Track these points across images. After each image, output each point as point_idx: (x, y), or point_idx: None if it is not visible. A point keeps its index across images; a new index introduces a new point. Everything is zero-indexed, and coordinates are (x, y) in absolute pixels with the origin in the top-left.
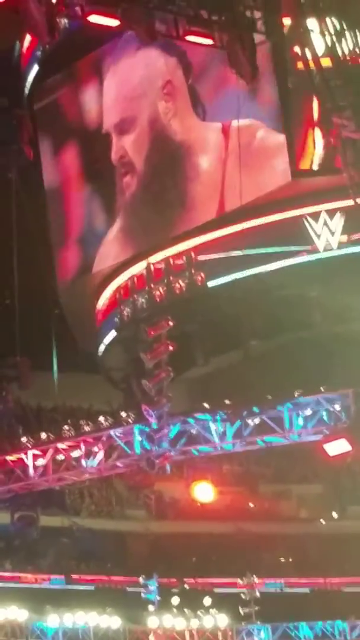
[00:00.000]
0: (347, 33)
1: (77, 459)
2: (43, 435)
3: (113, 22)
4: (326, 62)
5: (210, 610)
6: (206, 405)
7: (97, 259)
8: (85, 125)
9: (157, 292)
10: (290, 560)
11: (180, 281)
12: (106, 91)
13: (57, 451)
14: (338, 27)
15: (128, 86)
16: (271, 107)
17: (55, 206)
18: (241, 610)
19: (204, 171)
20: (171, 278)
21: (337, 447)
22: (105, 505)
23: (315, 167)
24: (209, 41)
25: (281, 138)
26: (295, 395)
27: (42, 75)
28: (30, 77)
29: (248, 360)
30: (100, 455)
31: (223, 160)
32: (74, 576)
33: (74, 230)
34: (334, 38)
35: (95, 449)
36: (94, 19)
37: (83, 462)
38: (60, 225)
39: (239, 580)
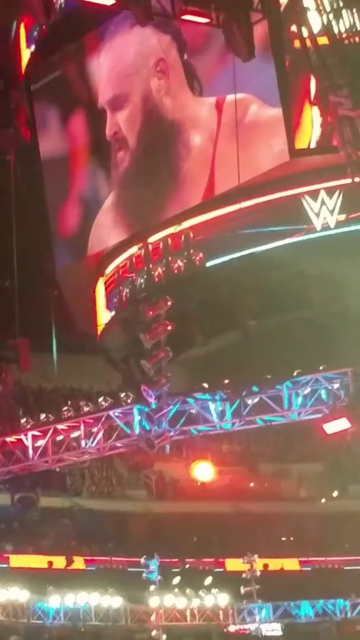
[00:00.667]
0: (343, 11)
1: (77, 440)
2: (42, 417)
3: (109, 1)
4: (323, 41)
5: (212, 589)
6: (205, 384)
7: (93, 236)
8: (91, 99)
9: (156, 272)
10: (291, 539)
11: (179, 261)
12: (101, 68)
13: (56, 432)
14: (335, 5)
15: (122, 63)
16: (267, 82)
17: (60, 173)
18: (242, 589)
19: (196, 147)
20: (170, 258)
21: (336, 425)
22: (106, 485)
23: (312, 146)
24: (205, 20)
25: (274, 112)
26: (294, 374)
27: (40, 54)
28: (27, 58)
29: (247, 340)
30: (100, 436)
31: (215, 136)
32: (76, 557)
33: (77, 190)
34: (331, 16)
35: (95, 429)
36: None
37: (82, 442)
38: (62, 189)
39: (239, 560)
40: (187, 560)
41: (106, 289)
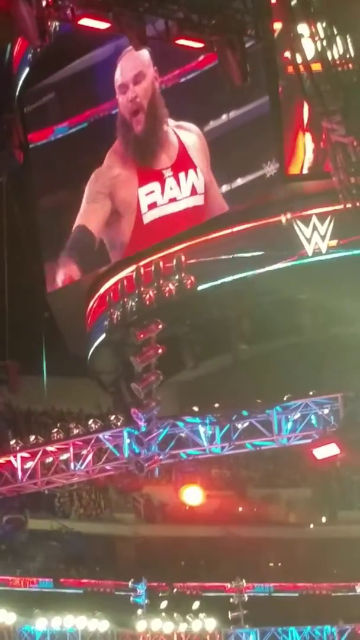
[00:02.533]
0: (337, 38)
1: (66, 462)
2: (32, 438)
3: (104, 25)
4: (316, 67)
5: (199, 614)
6: (195, 408)
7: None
8: None
9: (147, 295)
10: (280, 564)
11: (170, 284)
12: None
13: (45, 454)
14: (328, 32)
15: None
16: None
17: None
18: (230, 614)
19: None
20: (161, 281)
21: (326, 450)
22: (94, 508)
23: (305, 171)
24: (199, 45)
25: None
26: (284, 399)
27: (34, 77)
28: (21, 80)
29: (237, 364)
30: (89, 458)
31: None
32: (63, 580)
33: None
34: (324, 43)
35: (84, 452)
36: (85, 22)
37: (72, 465)
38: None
39: (227, 585)
40: (174, 584)
41: (97, 310)
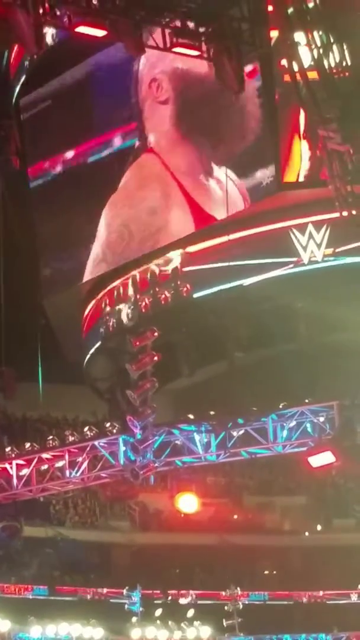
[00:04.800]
0: (333, 46)
1: (61, 469)
2: (27, 446)
3: (100, 33)
4: (313, 75)
5: (194, 622)
6: (191, 416)
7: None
8: None
9: (143, 303)
10: (274, 572)
11: (166, 292)
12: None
13: (40, 461)
14: (325, 40)
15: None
16: None
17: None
18: (224, 622)
19: None
20: (157, 289)
21: (321, 458)
22: (90, 516)
23: (301, 179)
24: (196, 52)
25: None
26: (280, 407)
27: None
28: (18, 87)
29: (233, 372)
30: (84, 466)
31: None
32: (58, 587)
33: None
34: (321, 51)
35: (79, 459)
36: (82, 29)
37: (67, 472)
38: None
39: (222, 592)
40: (169, 592)
41: (93, 318)
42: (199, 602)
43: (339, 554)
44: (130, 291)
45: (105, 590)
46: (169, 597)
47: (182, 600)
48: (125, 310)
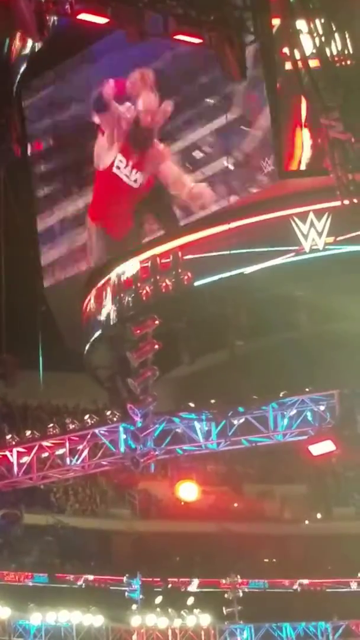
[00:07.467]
0: (335, 34)
1: (62, 457)
2: (28, 433)
3: (102, 20)
4: (314, 63)
5: (194, 609)
6: (191, 404)
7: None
8: None
9: (144, 291)
10: (274, 560)
11: (167, 280)
12: None
13: (41, 449)
14: (327, 28)
15: None
16: None
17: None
18: (224, 610)
19: None
20: (158, 277)
21: (321, 447)
22: (90, 503)
23: (302, 168)
24: (197, 40)
25: None
26: (281, 396)
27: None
28: (19, 74)
29: (234, 360)
30: (85, 454)
31: None
32: (58, 574)
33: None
34: (323, 39)
35: (80, 447)
36: (84, 17)
37: (67, 460)
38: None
39: (222, 580)
40: (169, 579)
41: (93, 306)
42: (199, 589)
43: (339, 542)
44: (132, 279)
45: (105, 577)
46: (169, 585)
47: (189, 588)
48: (126, 298)
